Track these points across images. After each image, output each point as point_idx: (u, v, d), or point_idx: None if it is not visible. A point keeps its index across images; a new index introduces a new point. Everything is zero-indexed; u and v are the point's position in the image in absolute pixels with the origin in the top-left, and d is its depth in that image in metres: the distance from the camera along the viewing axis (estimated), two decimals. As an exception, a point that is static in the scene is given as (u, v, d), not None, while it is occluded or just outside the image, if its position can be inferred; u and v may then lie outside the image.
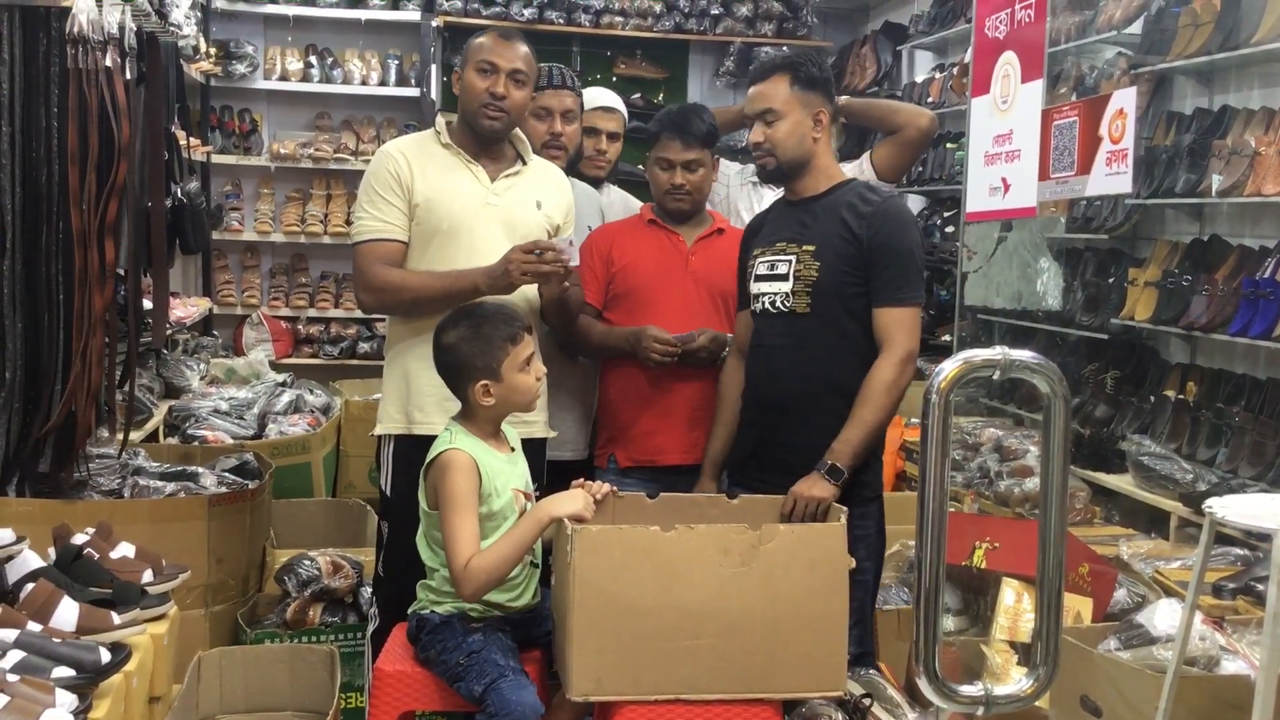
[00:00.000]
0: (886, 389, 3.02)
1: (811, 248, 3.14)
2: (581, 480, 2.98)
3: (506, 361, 2.83)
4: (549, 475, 3.36)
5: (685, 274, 3.53)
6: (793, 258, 3.16)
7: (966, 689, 1.89)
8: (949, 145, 6.28)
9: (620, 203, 3.93)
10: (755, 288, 3.25)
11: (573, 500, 2.78)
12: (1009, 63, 2.85)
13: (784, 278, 3.16)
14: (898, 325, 3.06)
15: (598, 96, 3.93)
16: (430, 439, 2.91)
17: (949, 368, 1.85)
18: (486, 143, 3.28)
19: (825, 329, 3.12)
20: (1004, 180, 2.85)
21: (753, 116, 3.20)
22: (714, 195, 4.03)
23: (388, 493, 3.27)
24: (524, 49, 3.27)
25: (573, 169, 3.80)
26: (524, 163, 3.34)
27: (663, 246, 3.56)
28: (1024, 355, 1.86)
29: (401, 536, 3.11)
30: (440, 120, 3.36)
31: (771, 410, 3.20)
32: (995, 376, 1.85)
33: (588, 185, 3.92)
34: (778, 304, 3.18)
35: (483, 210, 3.22)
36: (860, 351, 3.11)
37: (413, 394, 3.21)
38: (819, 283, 3.11)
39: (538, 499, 2.93)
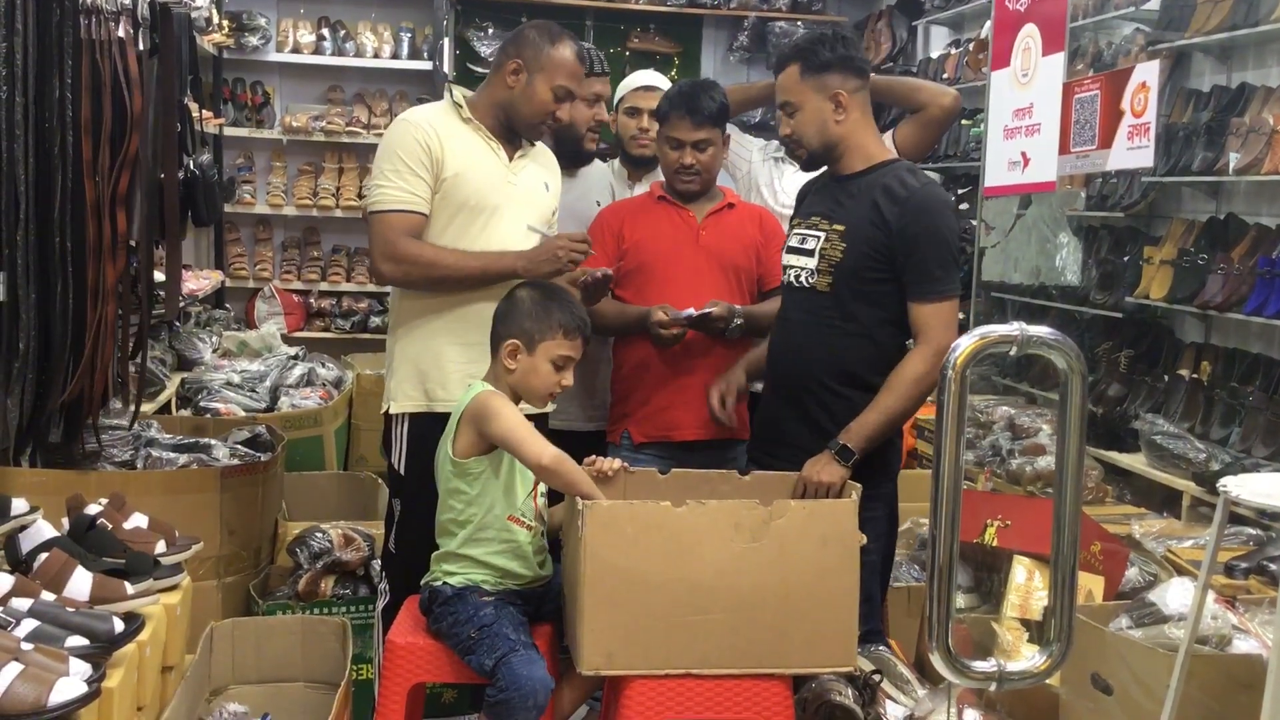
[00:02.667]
0: (915, 380, 2.98)
1: (841, 228, 3.10)
2: (593, 458, 2.99)
3: (547, 343, 2.84)
4: (559, 445, 3.36)
5: (696, 249, 3.51)
6: (821, 235, 3.13)
7: (980, 665, 1.89)
8: (965, 122, 6.24)
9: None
10: (785, 259, 3.23)
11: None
12: (1030, 35, 2.81)
13: (810, 254, 3.14)
14: (934, 317, 3.01)
15: (639, 77, 3.89)
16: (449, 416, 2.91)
17: (965, 343, 1.83)
18: (510, 130, 3.26)
19: (842, 311, 3.09)
20: (1024, 154, 2.83)
21: (779, 108, 3.19)
22: (735, 170, 4.01)
23: (401, 470, 3.25)
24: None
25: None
26: (530, 144, 3.33)
27: (674, 223, 3.54)
28: (1042, 331, 1.84)
29: (414, 513, 3.11)
30: (458, 93, 3.29)
31: (787, 385, 3.20)
32: (1012, 353, 1.84)
33: (600, 162, 3.91)
34: (802, 279, 3.16)
35: (504, 188, 3.21)
36: (875, 338, 3.09)
37: (434, 370, 3.19)
38: (841, 264, 3.08)
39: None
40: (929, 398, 3.03)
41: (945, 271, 3.03)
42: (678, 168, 3.49)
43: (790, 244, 3.23)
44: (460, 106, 3.25)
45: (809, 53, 3.11)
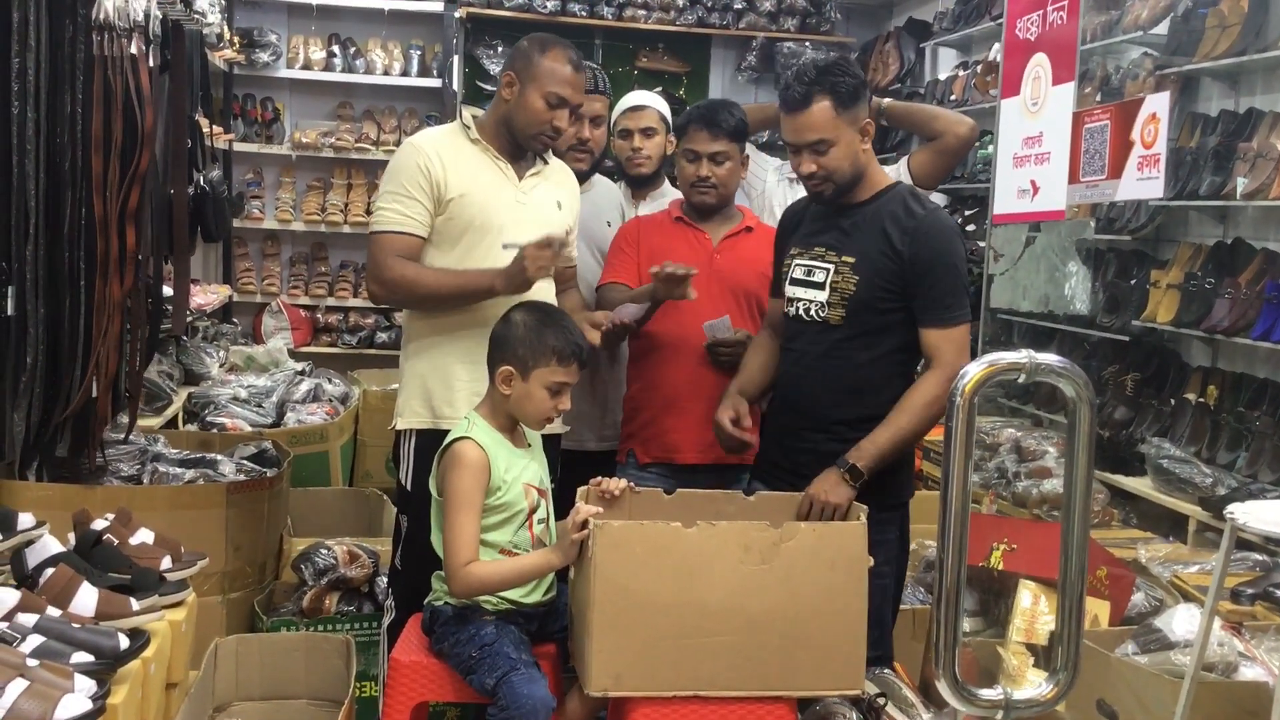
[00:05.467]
0: (928, 403, 2.95)
1: (851, 259, 3.04)
2: (599, 479, 2.99)
3: (541, 370, 2.82)
4: (569, 465, 3.38)
5: (709, 273, 3.50)
6: (830, 267, 3.07)
7: (986, 693, 1.89)
8: (973, 145, 6.24)
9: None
10: (790, 291, 3.16)
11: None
12: (1040, 64, 2.82)
13: (820, 286, 3.08)
14: (947, 342, 2.98)
15: (627, 99, 3.91)
16: None
17: (974, 370, 1.83)
18: (520, 148, 3.28)
19: (857, 341, 3.05)
20: (1033, 183, 2.83)
21: (800, 146, 3.02)
22: (750, 189, 4.01)
23: (408, 487, 3.26)
24: (584, 79, 3.27)
25: (596, 169, 3.80)
26: (544, 162, 3.34)
27: (689, 244, 3.54)
28: (1050, 359, 1.84)
29: (421, 530, 3.10)
30: (467, 114, 3.32)
31: (798, 415, 3.16)
32: (1021, 380, 1.84)
33: (609, 181, 3.92)
34: (812, 313, 3.10)
35: (513, 208, 3.22)
36: (889, 365, 3.06)
37: (441, 388, 3.20)
38: (855, 296, 3.02)
39: (553, 492, 2.98)
40: (939, 420, 3.00)
41: (957, 298, 3.01)
42: (694, 180, 3.48)
43: (795, 276, 3.15)
44: (468, 128, 3.27)
45: (839, 84, 2.97)
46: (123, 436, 3.81)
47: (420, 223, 3.19)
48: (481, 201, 3.19)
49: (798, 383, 3.16)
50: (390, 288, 3.20)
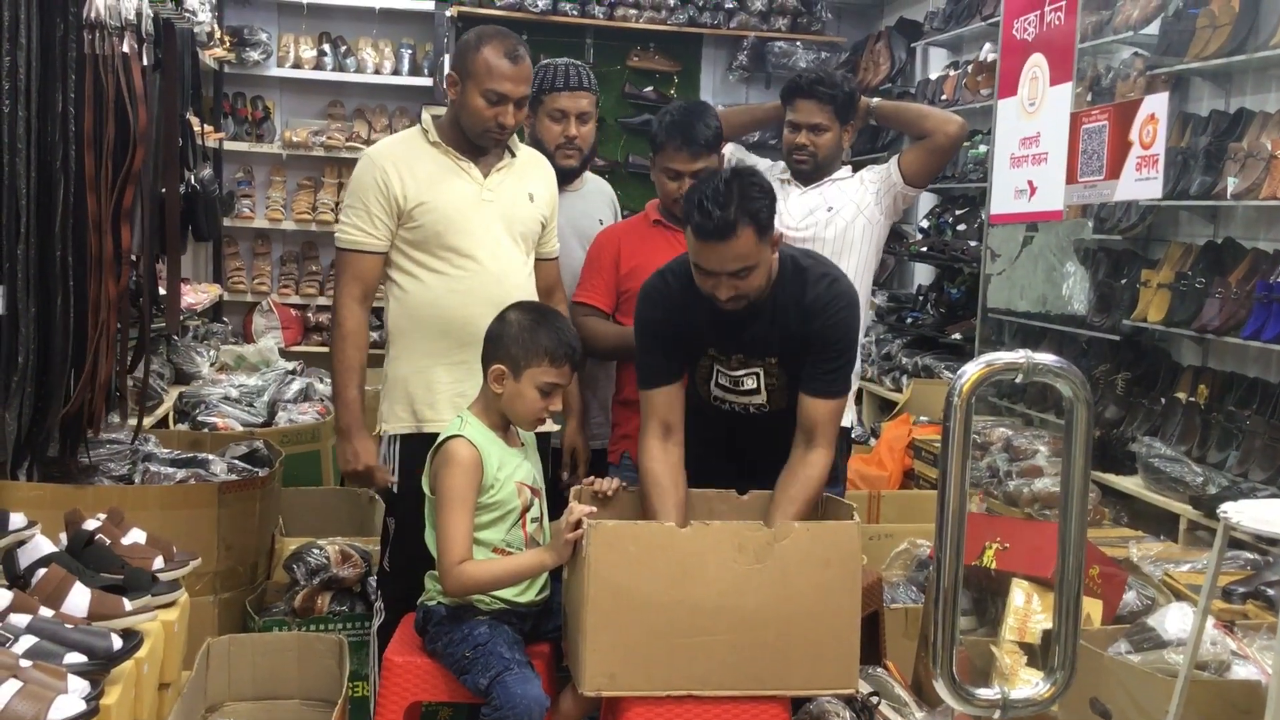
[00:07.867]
0: (820, 484, 2.94)
1: (774, 359, 2.99)
2: (591, 478, 2.99)
3: (533, 370, 2.82)
4: (561, 464, 3.38)
5: None
6: (758, 372, 3.01)
7: (983, 692, 1.88)
8: (963, 143, 6.25)
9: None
10: (719, 394, 3.08)
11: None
12: (1037, 65, 2.81)
13: (754, 391, 3.03)
14: (830, 416, 2.95)
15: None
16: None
17: (971, 370, 1.83)
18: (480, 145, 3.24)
19: (794, 409, 3.00)
20: (1030, 183, 2.82)
21: (721, 273, 2.83)
22: None
23: (394, 489, 3.26)
24: (528, 68, 3.18)
25: (586, 166, 3.78)
26: (512, 154, 3.29)
27: (673, 248, 3.52)
28: (1047, 359, 1.84)
29: (409, 532, 3.10)
30: (426, 117, 3.27)
31: (737, 461, 3.15)
32: (1018, 380, 1.84)
33: (601, 179, 3.90)
34: (751, 410, 3.07)
35: (479, 208, 3.19)
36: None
37: (423, 392, 3.19)
38: (788, 385, 3.00)
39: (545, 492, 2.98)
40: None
41: (847, 371, 3.01)
42: (677, 197, 3.44)
43: (721, 383, 3.06)
44: (427, 131, 3.23)
45: (759, 211, 2.79)
46: (120, 436, 3.79)
47: (378, 238, 3.20)
48: (443, 206, 3.16)
49: (743, 451, 3.13)
50: (335, 316, 3.27)
